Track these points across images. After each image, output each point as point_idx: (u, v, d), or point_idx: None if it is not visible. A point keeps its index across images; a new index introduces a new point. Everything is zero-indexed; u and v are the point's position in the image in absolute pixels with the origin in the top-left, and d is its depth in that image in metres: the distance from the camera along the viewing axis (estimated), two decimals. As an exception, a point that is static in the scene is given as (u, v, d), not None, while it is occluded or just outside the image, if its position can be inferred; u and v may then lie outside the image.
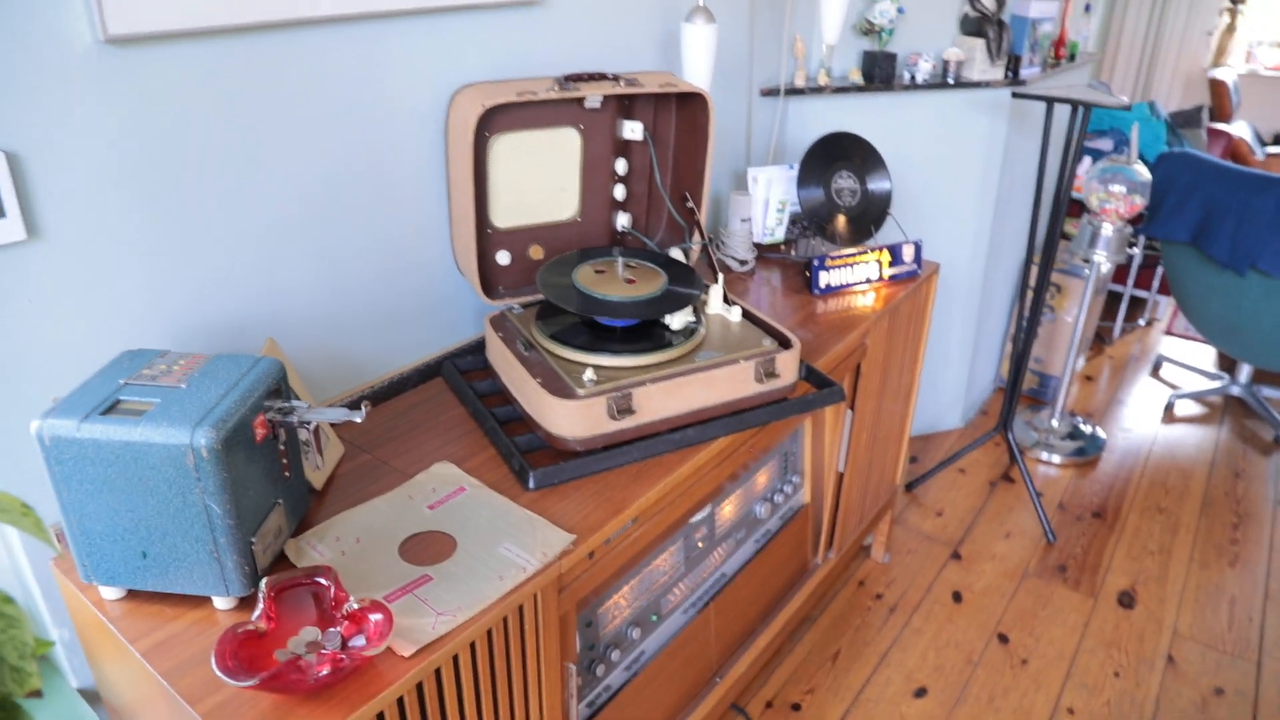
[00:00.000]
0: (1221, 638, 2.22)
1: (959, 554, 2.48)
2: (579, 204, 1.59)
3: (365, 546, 1.11)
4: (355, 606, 0.95)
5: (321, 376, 1.41)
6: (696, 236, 1.65)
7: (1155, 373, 3.57)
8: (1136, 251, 3.79)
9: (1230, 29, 5.75)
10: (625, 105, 1.59)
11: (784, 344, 1.43)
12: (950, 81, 2.48)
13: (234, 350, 1.27)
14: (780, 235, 2.09)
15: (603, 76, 1.46)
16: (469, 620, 1.00)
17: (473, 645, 1.02)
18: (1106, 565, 2.46)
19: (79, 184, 1.07)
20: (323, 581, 0.97)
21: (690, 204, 1.64)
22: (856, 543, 2.20)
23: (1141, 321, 4.03)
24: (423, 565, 1.08)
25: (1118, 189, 2.58)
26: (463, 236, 1.44)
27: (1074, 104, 2.29)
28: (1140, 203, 2.59)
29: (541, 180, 1.53)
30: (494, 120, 1.44)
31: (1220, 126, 4.67)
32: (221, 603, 1.02)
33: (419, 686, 0.97)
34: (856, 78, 2.43)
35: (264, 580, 0.96)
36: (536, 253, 1.57)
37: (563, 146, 1.53)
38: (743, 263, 1.99)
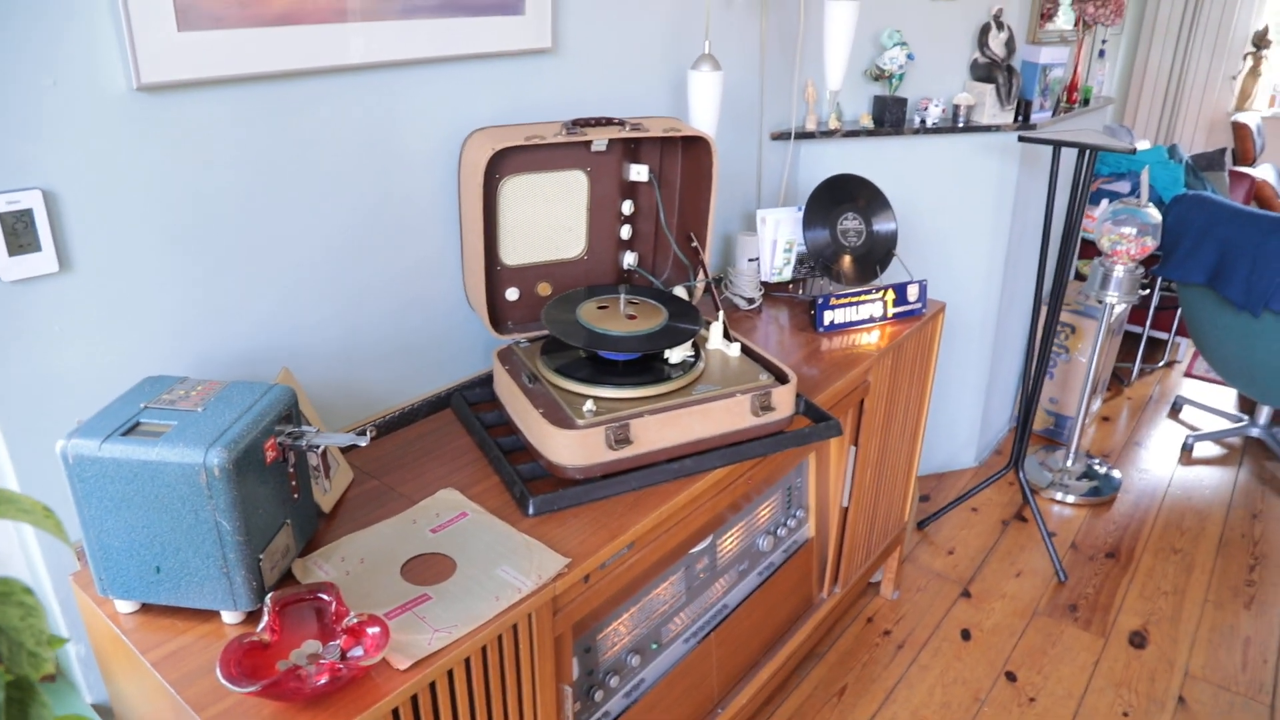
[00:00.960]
0: (1235, 679, 2.20)
1: (969, 592, 2.49)
2: (586, 243, 1.66)
3: (369, 566, 1.16)
4: (355, 621, 1.00)
5: (335, 406, 1.47)
6: (700, 275, 1.70)
7: (1174, 414, 3.55)
8: (1149, 293, 3.80)
9: (1254, 73, 5.77)
10: (632, 148, 1.65)
11: (780, 378, 1.48)
12: (960, 125, 2.53)
13: (251, 379, 1.34)
14: (788, 275, 2.14)
15: (609, 121, 1.53)
16: (464, 636, 1.05)
17: (467, 662, 1.07)
18: (1119, 605, 2.45)
19: (110, 222, 1.15)
20: (325, 597, 1.02)
21: (695, 244, 1.70)
22: (863, 579, 2.21)
23: (1161, 363, 4.02)
24: (423, 585, 1.13)
25: (1128, 231, 2.61)
26: (473, 273, 1.51)
27: (1079, 147, 2.33)
28: (1151, 244, 2.61)
29: (550, 220, 1.60)
30: (504, 163, 1.51)
31: (1244, 170, 4.68)
32: (230, 617, 1.07)
33: (414, 699, 1.01)
34: (867, 122, 2.49)
35: (269, 595, 1.01)
36: (544, 289, 1.63)
37: (570, 188, 1.60)
38: (749, 301, 2.04)
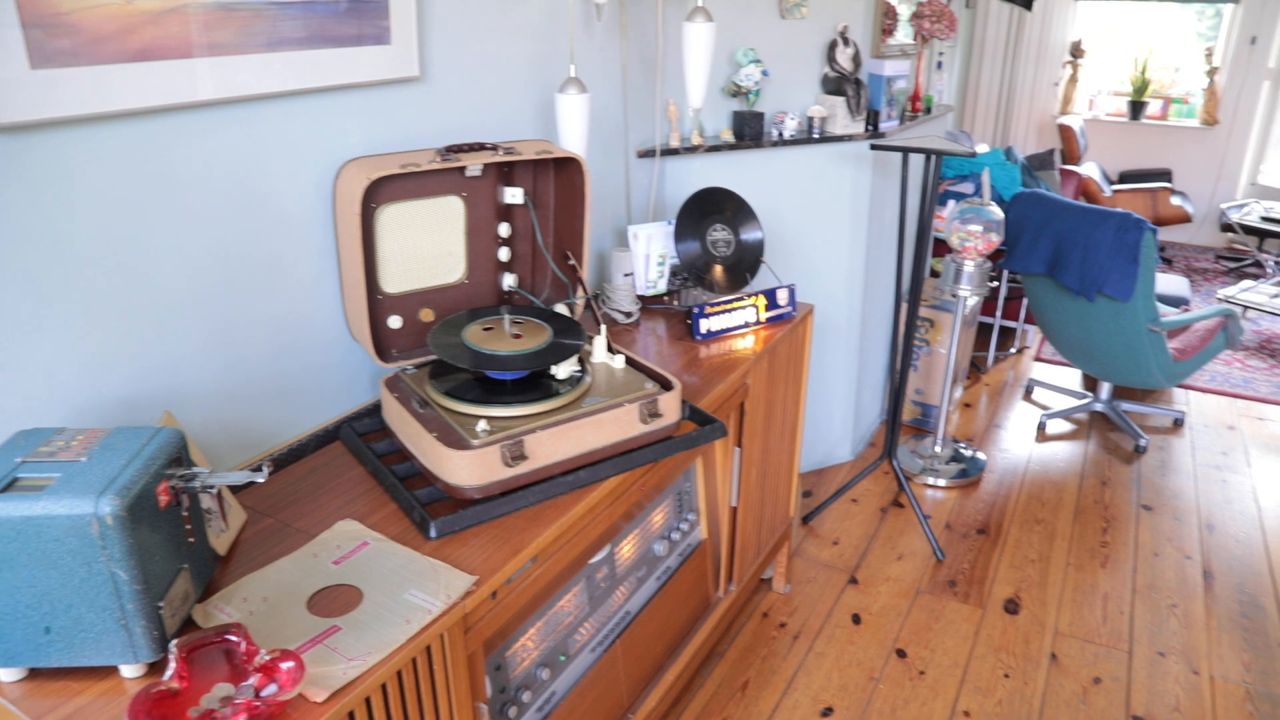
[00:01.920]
0: (1097, 632, 2.39)
1: (856, 579, 2.61)
2: (466, 267, 1.68)
3: (273, 604, 1.15)
4: (267, 658, 0.99)
5: (221, 447, 1.45)
6: (580, 292, 1.75)
7: (1028, 396, 3.81)
8: (997, 285, 4.07)
9: (1073, 80, 6.25)
10: (505, 172, 1.69)
11: (665, 386, 1.53)
12: (815, 136, 2.67)
13: (133, 425, 1.30)
14: (663, 287, 2.21)
15: (482, 146, 1.56)
16: (378, 663, 1.05)
17: (384, 688, 1.07)
18: (992, 576, 2.61)
19: (-30, 273, 1.10)
20: (233, 638, 1.01)
21: (572, 262, 1.74)
22: (756, 575, 2.30)
23: (1013, 350, 4.30)
24: (331, 616, 1.13)
25: (975, 228, 2.80)
26: (354, 303, 1.51)
27: (926, 153, 2.49)
28: (996, 239, 2.81)
29: (428, 246, 1.61)
30: (379, 191, 1.52)
31: (1071, 168, 5.06)
32: (130, 670, 1.05)
33: (331, 731, 1.02)
34: (728, 136, 2.59)
35: (173, 642, 0.99)
36: (427, 315, 1.64)
37: (447, 213, 1.62)
38: (627, 315, 2.10)
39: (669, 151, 2.48)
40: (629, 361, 1.62)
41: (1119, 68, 6.41)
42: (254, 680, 0.99)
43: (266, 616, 1.13)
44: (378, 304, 1.58)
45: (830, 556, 2.71)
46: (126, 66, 1.19)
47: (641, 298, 2.21)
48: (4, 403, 1.17)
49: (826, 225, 2.80)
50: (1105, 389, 3.55)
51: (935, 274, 4.01)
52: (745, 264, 2.19)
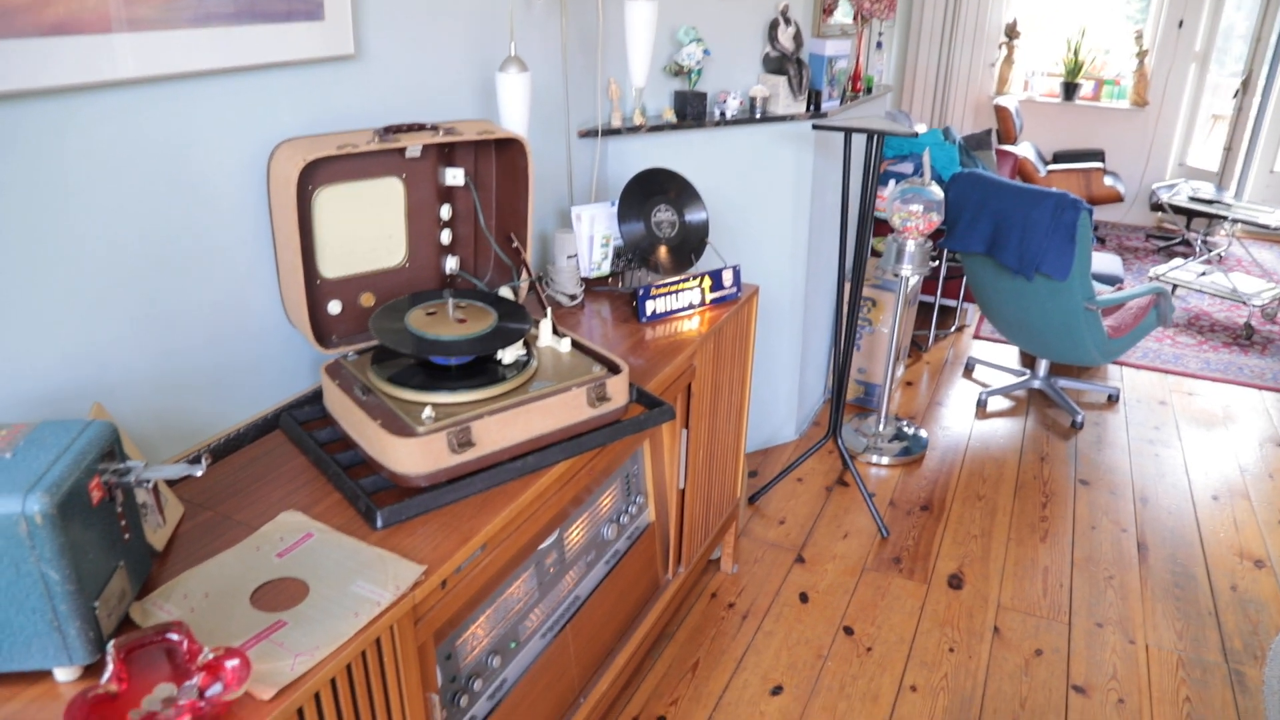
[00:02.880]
0: (1038, 604, 2.44)
1: (803, 557, 2.63)
2: (406, 250, 1.64)
3: (215, 600, 1.12)
4: (210, 656, 0.96)
5: (155, 439, 1.40)
6: (524, 275, 1.73)
7: (968, 374, 3.88)
8: (938, 264, 4.13)
9: (1009, 60, 6.35)
10: (446, 153, 1.65)
11: (613, 369, 1.52)
12: (757, 116, 2.66)
13: (60, 419, 1.25)
14: (606, 269, 2.20)
15: (421, 127, 1.53)
16: (327, 658, 1.03)
17: (334, 682, 1.05)
18: (936, 553, 2.66)
19: (-121, 261, 1.05)
20: (174, 637, 0.98)
21: (515, 244, 1.72)
22: (704, 556, 2.30)
23: (953, 328, 4.37)
24: (276, 611, 1.10)
25: (916, 208, 2.83)
26: (292, 289, 1.47)
27: (868, 133, 2.51)
28: (936, 219, 2.85)
29: (368, 229, 1.57)
30: (316, 173, 1.48)
31: (1007, 148, 5.15)
32: (64, 674, 1.01)
33: (278, 729, 0.99)
34: (670, 116, 2.58)
35: (111, 643, 0.96)
36: (368, 300, 1.60)
37: (386, 195, 1.58)
38: (572, 297, 2.08)
39: (611, 131, 2.46)
40: (575, 345, 1.60)
41: (1053, 49, 6.53)
42: (197, 680, 0.96)
43: (209, 613, 1.10)
44: (316, 289, 1.54)
45: (777, 536, 2.73)
46: (41, 41, 1.13)
47: (585, 280, 2.20)
48: (-80, 397, 1.11)
49: (770, 205, 2.80)
50: (1043, 366, 3.63)
51: (876, 254, 4.05)
52: (690, 245, 2.18)
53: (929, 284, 4.26)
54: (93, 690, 0.91)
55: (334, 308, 1.56)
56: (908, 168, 4.06)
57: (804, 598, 2.47)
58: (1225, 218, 4.91)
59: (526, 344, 1.54)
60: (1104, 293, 3.54)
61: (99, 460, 1.02)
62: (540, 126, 2.22)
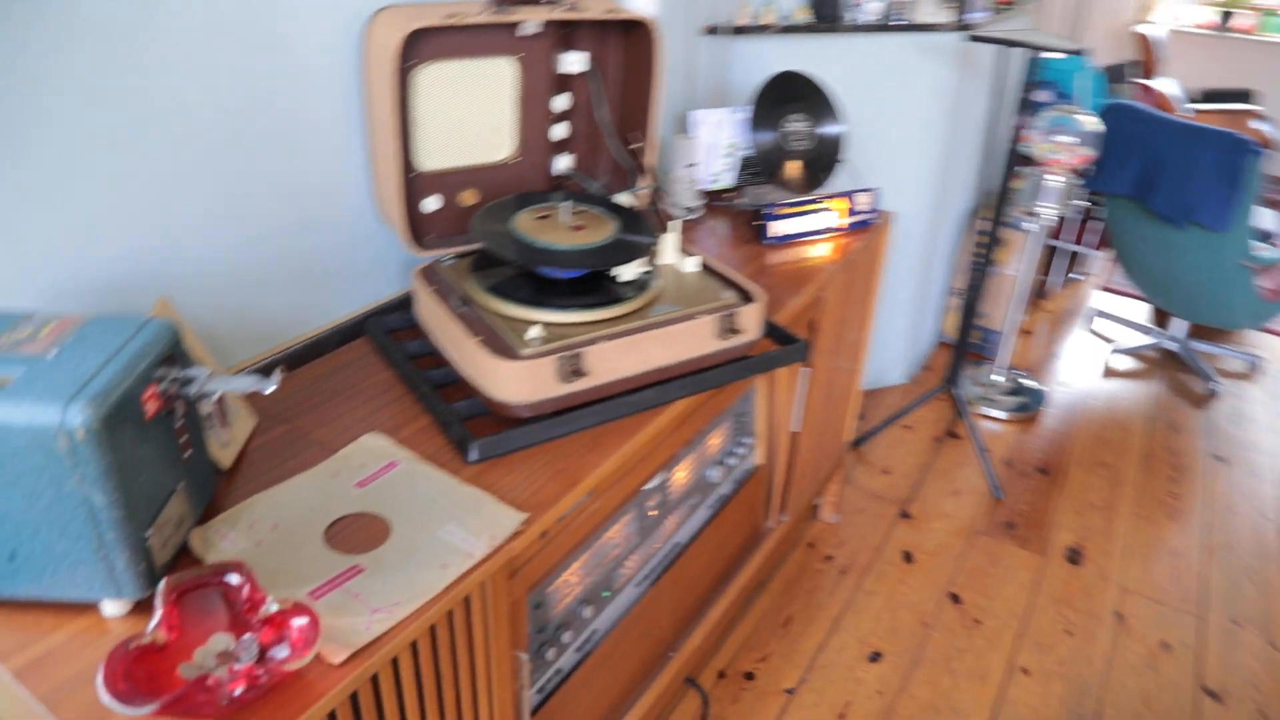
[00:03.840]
0: (1165, 591, 2.21)
1: (908, 513, 2.43)
2: (515, 144, 1.44)
3: (284, 533, 0.96)
4: (275, 609, 0.81)
5: (227, 340, 1.25)
6: (645, 180, 1.51)
7: (1090, 327, 3.57)
8: (1080, 204, 3.78)
9: (1155, -17, 5.78)
10: (564, 34, 1.43)
11: (746, 297, 1.31)
12: (896, 23, 2.37)
13: (121, 313, 1.10)
14: (728, 182, 1.97)
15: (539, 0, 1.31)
16: (409, 617, 0.87)
17: (414, 645, 0.89)
18: (1053, 521, 2.43)
19: (-84, 108, 0.88)
20: (233, 579, 0.83)
21: (636, 145, 1.50)
22: (808, 504, 2.12)
23: (1080, 276, 4.03)
24: (353, 554, 0.94)
25: (1065, 139, 2.52)
26: (386, 179, 1.28)
27: (1031, 48, 2.20)
28: (1090, 153, 2.53)
29: (473, 117, 1.37)
30: (418, 47, 1.28)
31: (1147, 82, 4.69)
32: (112, 607, 0.87)
33: (354, 697, 0.84)
34: (802, 17, 2.30)
35: (163, 581, 0.81)
36: (469, 198, 1.41)
37: (496, 79, 1.38)
38: (689, 211, 1.87)
39: (738, 30, 2.20)
40: (704, 265, 1.40)
41: (1207, -25, 5.93)
42: (256, 635, 0.80)
43: (277, 547, 0.94)
44: (413, 181, 1.35)
45: (881, 486, 2.53)
46: None
47: (705, 192, 1.97)
48: (-35, 274, 0.96)
49: (903, 125, 2.52)
50: (1180, 326, 3.31)
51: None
52: (823, 161, 1.94)
53: (1055, 226, 3.91)
54: (136, 640, 0.76)
55: (431, 204, 1.37)
56: (1044, 96, 3.69)
57: (908, 557, 2.27)
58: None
59: (650, 260, 1.34)
60: (1261, 250, 3.17)
61: (156, 366, 0.85)
62: (662, 19, 1.97)
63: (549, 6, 1.32)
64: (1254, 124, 5.34)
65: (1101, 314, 3.58)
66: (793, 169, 1.90)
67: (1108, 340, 3.46)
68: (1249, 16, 5.77)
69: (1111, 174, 2.97)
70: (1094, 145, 2.51)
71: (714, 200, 1.99)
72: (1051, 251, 4.11)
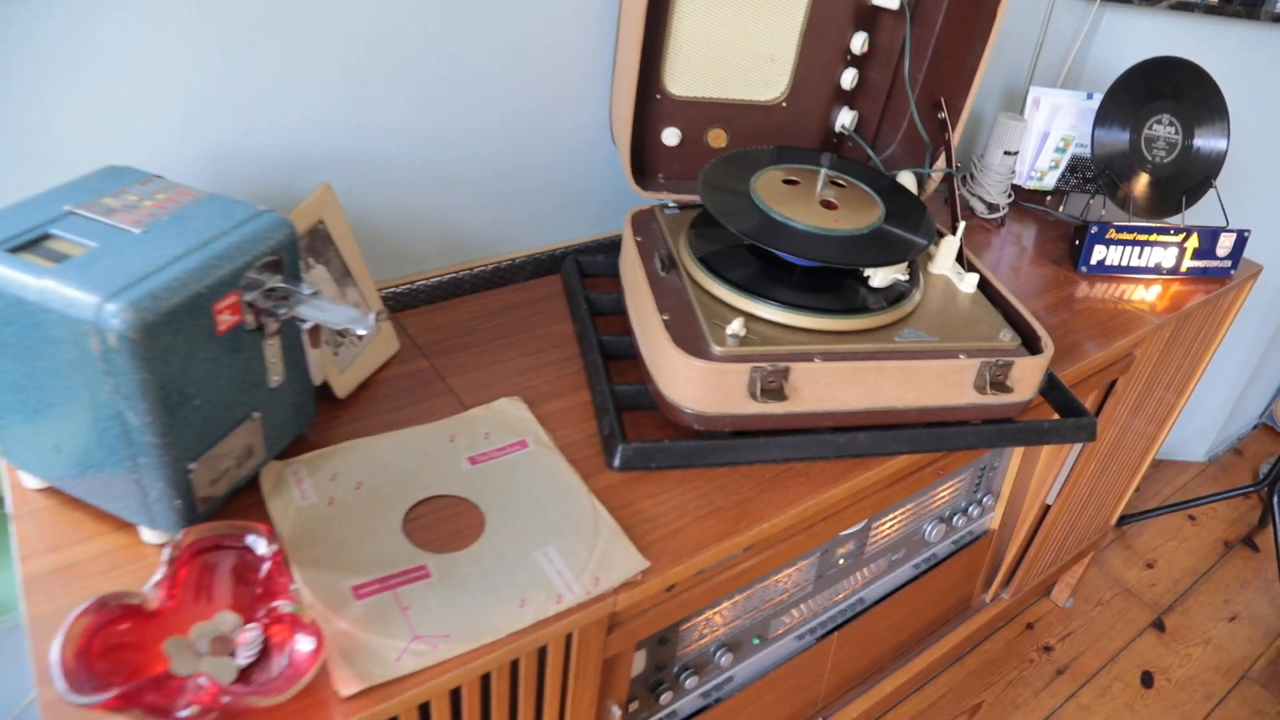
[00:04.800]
0: None
1: (1162, 623, 1.97)
2: (789, 83, 1.17)
3: (365, 498, 0.80)
4: (289, 609, 0.63)
5: (407, 244, 1.09)
6: (941, 162, 1.20)
7: None
8: None
9: None
10: (888, -42, 1.13)
11: (1031, 344, 0.99)
12: (1341, 22, 1.81)
13: (283, 195, 0.96)
14: (1050, 183, 1.59)
15: (866, -94, 1.01)
16: (455, 660, 0.67)
17: (455, 693, 0.70)
18: (1363, 695, 1.89)
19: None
20: (259, 547, 0.67)
21: (943, 115, 1.18)
22: (1040, 586, 1.74)
23: None
24: (426, 549, 0.76)
25: None
26: (622, 96, 1.06)
27: None
28: None
29: (744, 40, 1.11)
30: (698, -58, 1.03)
31: None
32: (150, 535, 0.74)
33: (360, 739, 0.66)
34: (1209, -7, 1.81)
35: (178, 535, 0.66)
36: (717, 139, 1.17)
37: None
38: (992, 208, 1.51)
39: (1120, -4, 1.76)
40: (983, 287, 1.07)
41: None
42: (258, 634, 0.64)
43: (348, 514, 0.78)
44: (653, 106, 1.12)
45: (1138, 582, 2.07)
46: None
47: (1016, 189, 1.60)
48: (126, 122, 0.84)
49: (1304, 155, 1.96)
50: None
51: None
52: (1186, 182, 1.50)
53: None
54: (122, 599, 0.62)
55: (670, 136, 1.14)
56: None
57: (1147, 680, 1.84)
58: None
59: (912, 266, 1.04)
60: None
61: (250, 269, 0.69)
62: (1025, -38, 1.59)
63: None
64: None
65: None
66: (1140, 184, 1.48)
67: None
68: None
69: None
70: None
71: (1025, 201, 1.61)
72: None
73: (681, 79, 1.10)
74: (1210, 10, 1.80)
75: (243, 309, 0.70)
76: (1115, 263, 1.41)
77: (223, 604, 0.66)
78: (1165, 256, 1.42)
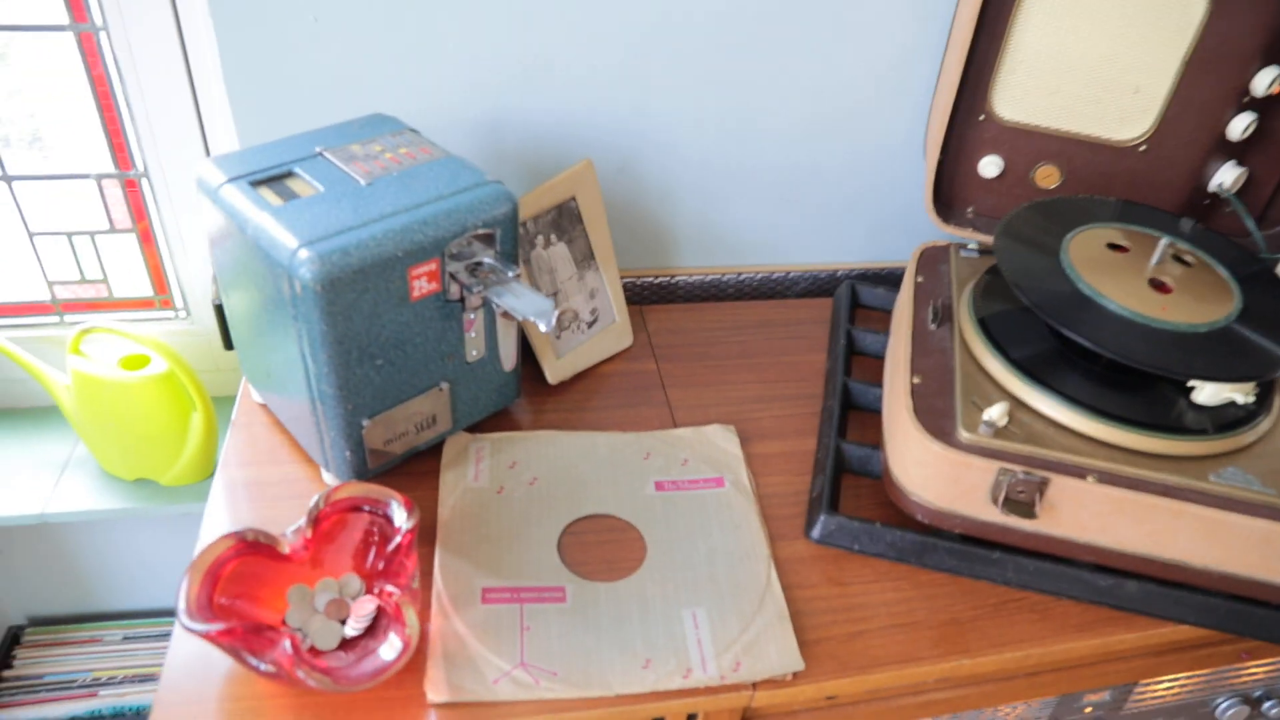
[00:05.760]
0: None
1: None
2: (1155, 121, 0.94)
3: (535, 495, 0.76)
4: (397, 602, 0.60)
5: (667, 234, 1.03)
6: (1355, 257, 0.92)
7: None
8: None
9: None
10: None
11: None
12: None
13: (553, 161, 0.94)
14: None
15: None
16: (553, 702, 0.61)
17: (550, 733, 0.64)
18: None
19: None
20: (398, 520, 0.64)
21: (1375, 198, 0.90)
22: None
23: None
24: (571, 569, 0.70)
25: None
26: (939, 110, 0.92)
27: None
28: None
29: (1101, 61, 0.91)
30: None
31: None
32: (329, 478, 0.75)
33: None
34: None
35: (331, 488, 0.65)
36: (1047, 177, 0.97)
37: (1166, 14, 0.88)
38: None
39: None
40: (1364, 432, 0.81)
41: None
42: (372, 608, 0.62)
43: (510, 508, 0.74)
44: (975, 127, 0.95)
45: None
46: None
47: None
48: (423, 70, 0.86)
49: None
50: None
51: None
52: None
53: None
54: (258, 535, 0.63)
55: (988, 166, 0.97)
56: None
57: None
58: None
59: (1267, 388, 0.80)
60: None
61: (458, 238, 0.67)
62: None
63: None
64: None
65: None
66: None
67: None
68: None
69: None
70: None
71: None
72: None
73: (1014, 100, 0.93)
74: None
75: (443, 278, 0.67)
76: None
77: (348, 566, 0.65)
78: None
